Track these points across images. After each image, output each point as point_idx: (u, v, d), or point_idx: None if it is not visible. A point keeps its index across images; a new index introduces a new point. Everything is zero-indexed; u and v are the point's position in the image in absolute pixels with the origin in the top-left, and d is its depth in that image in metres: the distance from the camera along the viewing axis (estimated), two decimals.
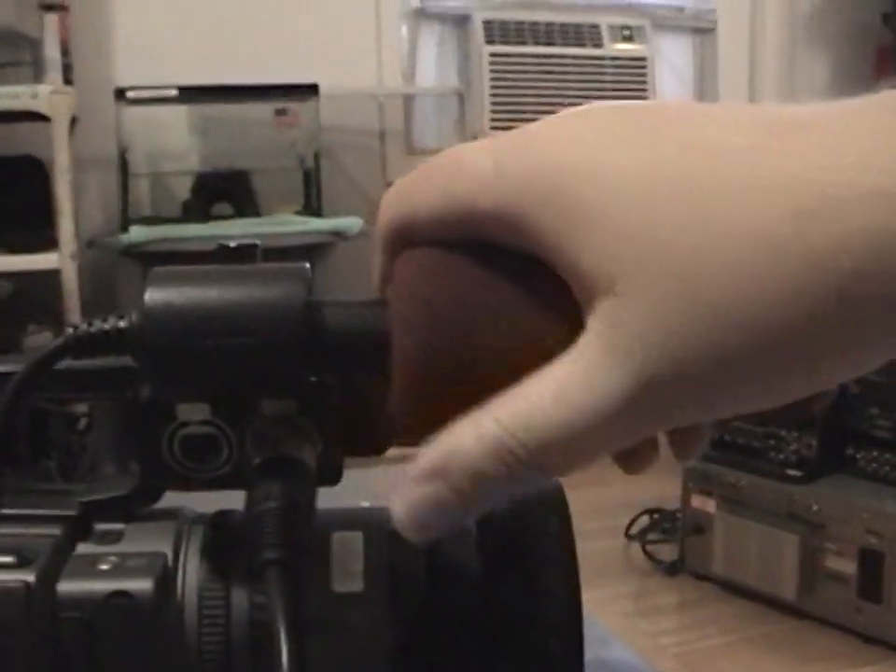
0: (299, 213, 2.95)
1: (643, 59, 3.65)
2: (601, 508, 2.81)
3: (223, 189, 2.97)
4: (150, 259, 2.66)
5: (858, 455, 2.17)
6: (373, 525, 0.51)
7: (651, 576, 2.48)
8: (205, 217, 2.86)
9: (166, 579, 0.45)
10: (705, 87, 3.87)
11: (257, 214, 2.92)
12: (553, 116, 0.34)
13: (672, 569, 2.45)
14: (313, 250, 2.75)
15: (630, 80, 3.67)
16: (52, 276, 2.54)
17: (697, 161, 0.30)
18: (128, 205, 2.87)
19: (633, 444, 0.33)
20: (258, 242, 0.46)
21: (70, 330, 0.41)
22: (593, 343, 0.31)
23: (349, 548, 0.49)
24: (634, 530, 2.64)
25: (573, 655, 0.48)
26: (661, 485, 2.59)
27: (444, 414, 0.34)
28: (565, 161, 0.32)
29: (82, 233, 2.87)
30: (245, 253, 0.45)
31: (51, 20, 2.76)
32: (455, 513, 0.34)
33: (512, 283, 0.34)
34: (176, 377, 0.41)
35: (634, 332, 0.30)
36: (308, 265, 0.42)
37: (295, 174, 3.08)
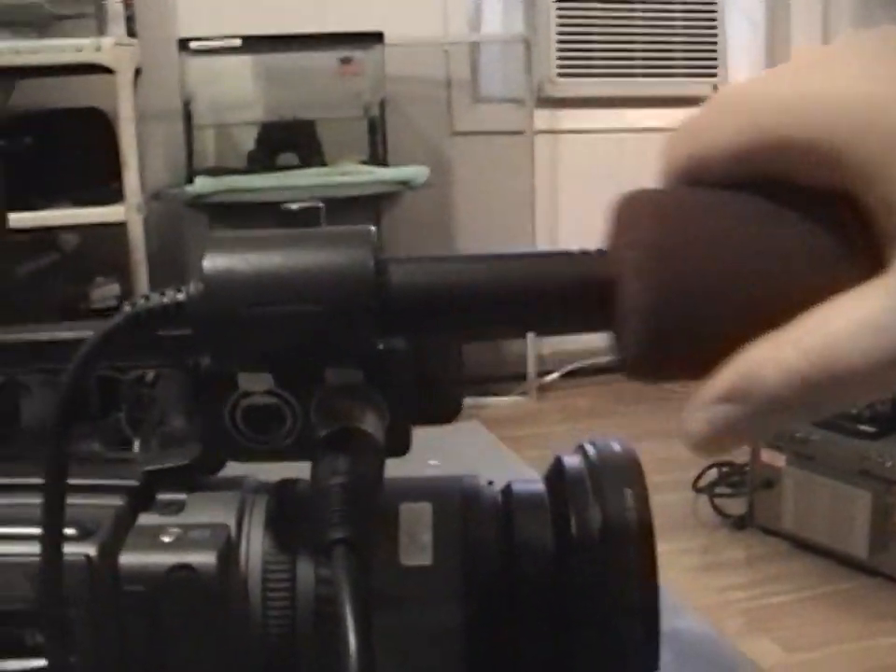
0: (364, 162, 2.93)
1: (713, 2, 3.57)
2: (669, 460, 2.78)
3: (288, 139, 2.96)
4: (216, 210, 2.66)
5: None
6: (443, 495, 0.49)
7: (718, 530, 2.45)
8: (271, 167, 2.84)
9: (229, 551, 0.44)
10: (776, 31, 3.78)
11: (322, 164, 2.90)
12: (809, 50, 0.35)
13: (740, 524, 2.43)
14: (379, 200, 2.74)
15: (700, 25, 3.60)
16: (118, 229, 2.55)
17: None
18: (193, 157, 2.87)
19: None
20: (320, 204, 0.44)
21: (128, 307, 0.39)
22: None
23: (418, 520, 0.48)
24: (702, 483, 2.61)
25: (650, 633, 0.46)
26: None
27: (680, 354, 0.35)
28: (874, 92, 0.31)
29: (148, 186, 2.88)
30: (308, 216, 0.44)
31: None
32: (747, 434, 0.34)
33: (800, 219, 0.34)
34: (237, 348, 0.40)
35: None
36: (373, 228, 0.40)
37: (360, 123, 3.06)
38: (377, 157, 2.95)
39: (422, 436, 1.05)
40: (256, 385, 0.44)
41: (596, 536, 0.46)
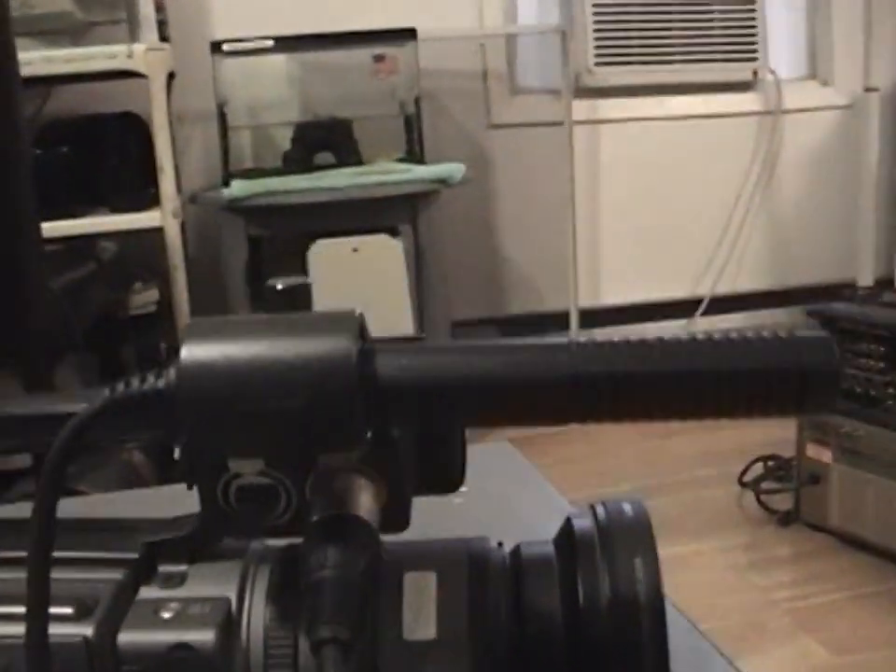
0: (401, 160, 2.91)
1: None
2: (714, 453, 2.77)
3: (324, 139, 2.95)
4: (252, 213, 2.66)
5: None
6: (449, 562, 0.48)
7: (764, 526, 2.42)
8: (307, 167, 2.84)
9: (230, 626, 0.44)
10: (817, 13, 3.72)
11: (359, 162, 2.89)
12: None
13: (786, 520, 2.39)
14: (416, 198, 2.72)
15: (738, 8, 3.55)
16: (156, 234, 2.55)
17: None
18: (229, 159, 2.87)
19: None
20: (308, 280, 0.43)
21: (107, 392, 0.38)
22: None
23: (422, 590, 0.47)
24: (748, 478, 2.58)
25: None
26: (775, 431, 2.54)
27: None
28: None
29: (185, 189, 2.88)
30: (295, 294, 0.42)
31: None
32: None
33: None
34: (217, 439, 0.39)
35: None
36: (359, 311, 0.39)
37: (396, 120, 3.04)
38: (414, 154, 2.94)
39: None
40: (246, 467, 0.42)
41: (604, 609, 0.45)
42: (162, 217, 2.53)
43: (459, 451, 0.47)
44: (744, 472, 2.59)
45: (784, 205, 3.70)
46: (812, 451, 2.30)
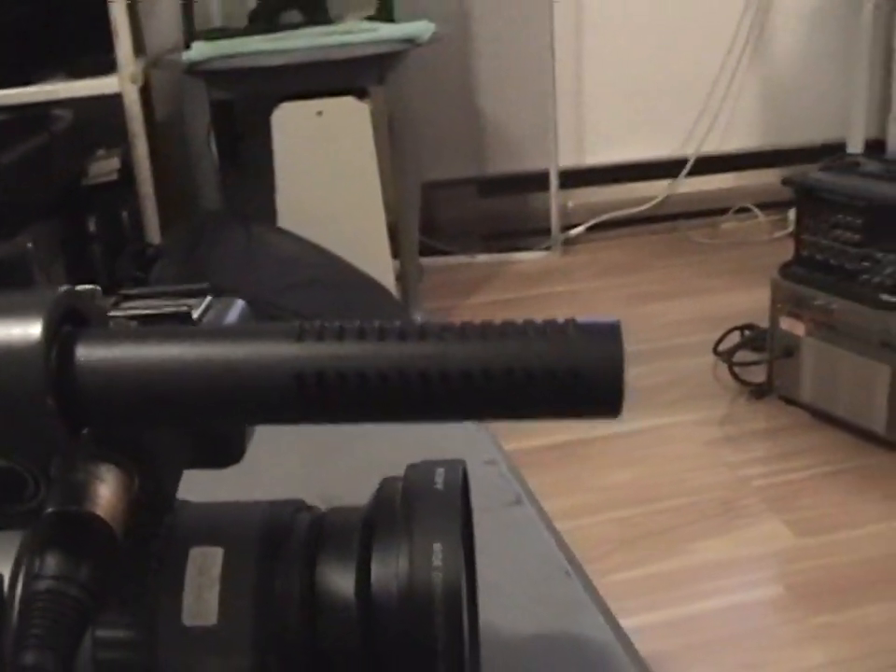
0: (370, 18, 2.80)
1: None
2: (691, 321, 2.72)
3: None
4: (214, 77, 2.56)
5: None
6: (239, 535, 0.43)
7: (738, 398, 2.39)
8: (273, 26, 2.72)
9: None
10: None
11: (327, 21, 2.77)
12: None
13: (760, 392, 2.35)
14: (383, 59, 2.62)
15: None
16: (116, 100, 2.46)
17: None
18: (192, 19, 2.75)
19: None
20: (28, 245, 0.36)
21: None
22: None
23: (206, 568, 0.42)
24: (723, 347, 2.53)
25: None
26: (754, 299, 2.48)
27: None
28: None
29: (151, 52, 2.78)
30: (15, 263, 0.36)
31: None
32: None
33: None
34: None
35: None
36: (64, 289, 0.33)
37: None
38: (383, 12, 2.81)
39: None
40: None
41: (396, 600, 0.40)
42: (119, 83, 2.44)
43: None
44: (719, 342, 2.53)
45: (775, 62, 3.57)
46: (786, 323, 2.24)
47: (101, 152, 2.60)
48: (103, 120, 2.59)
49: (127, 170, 2.57)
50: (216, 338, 0.32)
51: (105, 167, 2.55)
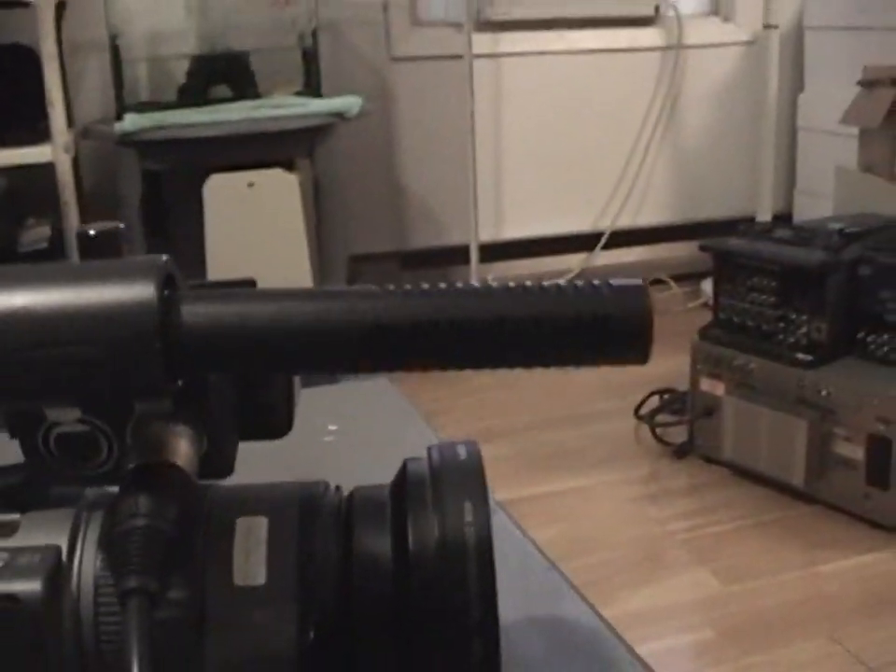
0: (299, 93, 2.87)
1: None
2: (611, 387, 2.79)
3: (220, 71, 2.89)
4: (147, 147, 2.60)
5: (868, 339, 2.12)
6: (281, 507, 0.47)
7: (660, 458, 2.46)
8: (203, 100, 2.78)
9: (59, 575, 0.43)
10: None
11: (256, 95, 2.84)
12: None
13: (681, 452, 2.43)
14: (313, 133, 2.68)
15: None
16: (48, 169, 2.49)
17: None
18: (123, 92, 2.80)
19: None
20: (120, 225, 0.41)
21: None
22: None
23: (253, 535, 0.46)
24: (644, 411, 2.61)
25: (489, 653, 0.45)
26: (671, 365, 2.56)
27: None
28: None
29: (81, 122, 2.81)
30: (105, 240, 0.40)
31: None
32: None
33: None
34: (21, 387, 0.37)
35: None
36: (165, 257, 0.38)
37: (294, 52, 2.99)
38: (312, 87, 2.89)
39: (325, 396, 1.01)
40: (63, 415, 0.41)
41: (433, 552, 0.45)
42: (52, 152, 2.47)
43: (284, 396, 0.46)
44: (640, 405, 2.62)
45: (687, 140, 3.71)
46: (706, 384, 2.33)
47: (31, 221, 2.62)
48: (32, 189, 2.62)
49: (57, 238, 2.60)
50: (298, 296, 0.37)
51: (35, 235, 2.57)
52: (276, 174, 2.61)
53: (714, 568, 1.98)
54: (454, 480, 0.46)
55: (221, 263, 2.58)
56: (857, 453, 2.05)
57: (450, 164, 3.42)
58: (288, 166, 2.65)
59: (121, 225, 0.41)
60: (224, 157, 2.61)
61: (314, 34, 2.92)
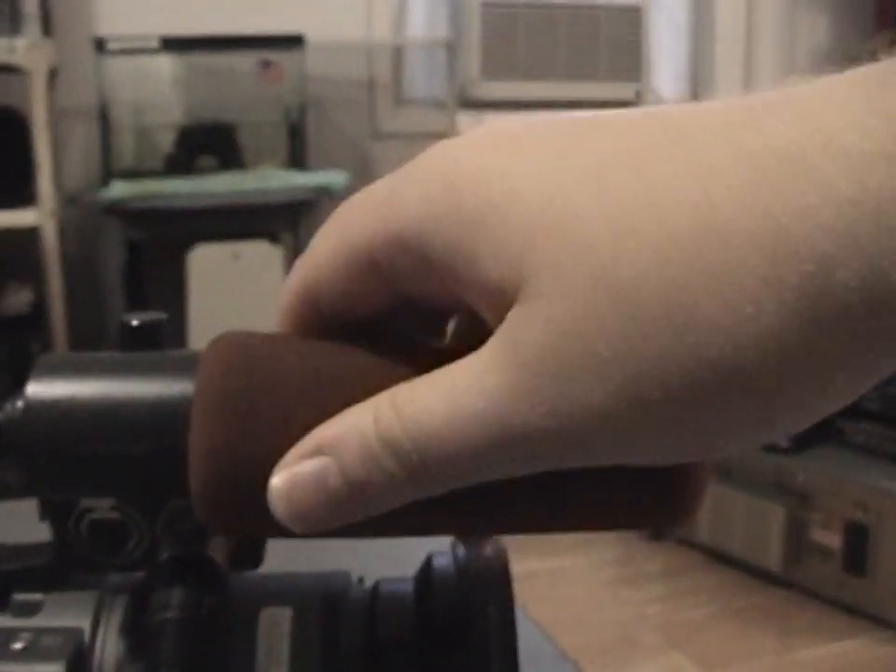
0: (284, 167, 2.90)
1: (638, 10, 3.58)
2: None
3: (207, 142, 2.91)
4: (132, 216, 2.62)
5: (846, 427, 2.14)
6: (305, 597, 0.48)
7: (635, 541, 2.46)
8: (189, 170, 2.80)
9: (80, 658, 0.43)
10: (701, 37, 3.80)
11: (242, 167, 2.86)
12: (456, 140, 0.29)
13: (656, 535, 2.43)
14: (297, 206, 2.71)
15: (624, 29, 3.60)
16: (32, 234, 2.50)
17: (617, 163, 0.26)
18: (110, 160, 2.82)
19: (531, 472, 0.28)
20: (163, 316, 0.42)
21: None
22: (491, 348, 0.26)
23: (276, 626, 0.47)
24: None
25: None
26: None
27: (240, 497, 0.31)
28: (462, 171, 0.28)
29: (66, 188, 2.82)
30: (148, 331, 0.41)
31: None
32: (337, 502, 0.29)
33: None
34: (62, 478, 0.38)
35: (530, 340, 0.25)
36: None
37: (280, 126, 3.02)
38: (297, 161, 2.92)
39: None
40: (98, 502, 0.42)
41: (462, 638, 0.45)
42: (38, 217, 2.48)
43: None
44: None
45: None
46: None
47: (13, 284, 2.62)
48: (13, 253, 2.62)
49: (40, 304, 2.60)
50: None
51: (17, 300, 2.57)
52: (261, 245, 2.62)
53: (690, 653, 1.98)
54: (479, 578, 0.47)
55: (204, 332, 2.58)
56: (834, 539, 2.06)
57: None
58: (272, 238, 2.67)
59: (165, 316, 0.42)
60: (209, 227, 2.62)
61: (301, 109, 2.95)
